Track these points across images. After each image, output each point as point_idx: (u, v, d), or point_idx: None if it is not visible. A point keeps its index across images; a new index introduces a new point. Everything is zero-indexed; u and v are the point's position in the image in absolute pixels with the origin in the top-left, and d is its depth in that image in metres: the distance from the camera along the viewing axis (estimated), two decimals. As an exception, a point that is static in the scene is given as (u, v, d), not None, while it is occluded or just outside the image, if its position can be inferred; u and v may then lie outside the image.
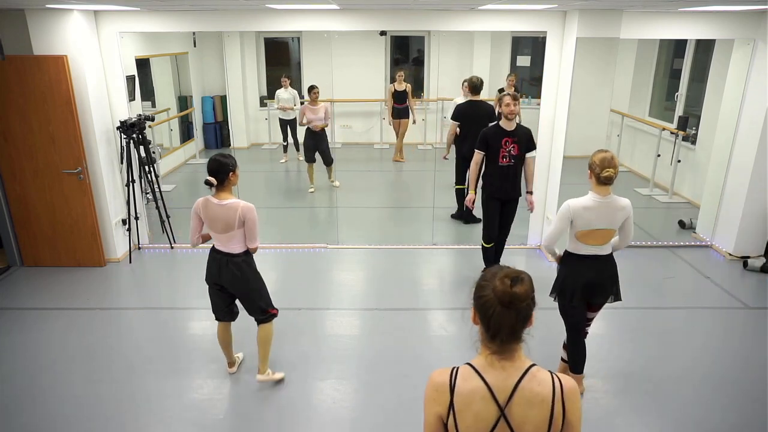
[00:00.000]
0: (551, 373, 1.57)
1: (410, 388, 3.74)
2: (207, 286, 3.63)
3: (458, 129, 6.37)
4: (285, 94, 9.47)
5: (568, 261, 3.45)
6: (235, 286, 3.52)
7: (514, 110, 4.64)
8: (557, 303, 3.55)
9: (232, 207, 3.33)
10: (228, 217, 3.34)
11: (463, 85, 7.69)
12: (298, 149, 9.85)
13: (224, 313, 3.68)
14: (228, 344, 3.82)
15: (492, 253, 5.20)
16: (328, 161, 8.00)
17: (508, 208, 5.01)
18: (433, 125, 10.81)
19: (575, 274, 3.40)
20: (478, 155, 4.82)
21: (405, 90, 9.53)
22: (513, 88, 8.01)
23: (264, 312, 3.64)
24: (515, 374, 1.53)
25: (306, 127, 7.84)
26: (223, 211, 3.34)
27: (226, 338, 3.79)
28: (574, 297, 3.41)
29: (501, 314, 1.49)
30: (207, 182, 3.33)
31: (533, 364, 1.56)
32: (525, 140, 4.77)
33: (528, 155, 4.83)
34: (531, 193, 4.98)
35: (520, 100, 4.83)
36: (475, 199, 4.85)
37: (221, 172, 3.32)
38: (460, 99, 7.42)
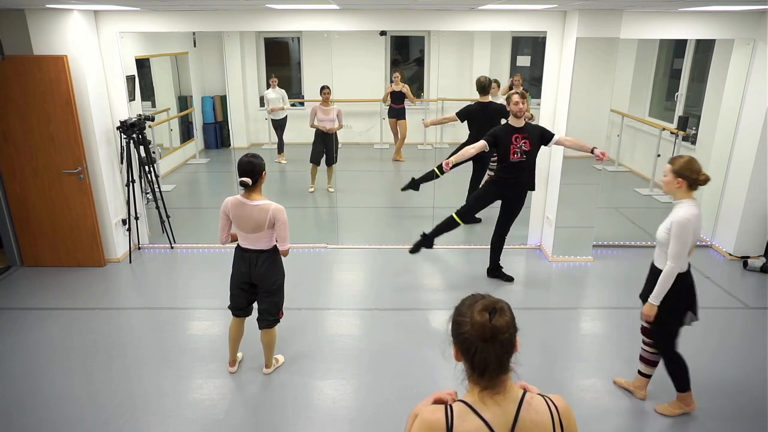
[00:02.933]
0: (542, 396, 1.53)
1: (410, 388, 3.74)
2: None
3: (468, 131, 6.35)
4: (273, 94, 9.45)
5: (683, 281, 3.19)
6: (265, 280, 3.58)
7: (523, 108, 4.66)
8: (664, 328, 3.30)
9: (263, 208, 3.40)
10: (260, 218, 3.41)
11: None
12: (282, 150, 9.82)
13: (243, 310, 3.73)
14: (238, 340, 3.85)
15: (450, 227, 5.11)
16: (330, 161, 7.97)
17: (515, 201, 5.00)
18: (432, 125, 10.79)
19: (691, 291, 3.23)
20: (482, 143, 4.72)
21: (401, 90, 9.54)
22: (521, 88, 8.01)
23: (276, 311, 3.70)
24: (512, 406, 1.46)
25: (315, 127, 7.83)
26: (255, 211, 3.40)
27: (238, 334, 3.82)
28: (695, 314, 3.27)
29: (484, 350, 1.41)
30: (243, 183, 3.36)
31: (525, 392, 1.51)
32: (537, 135, 4.78)
33: (554, 141, 4.81)
34: (594, 148, 4.68)
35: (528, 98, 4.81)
36: (451, 165, 4.60)
37: (255, 172, 3.37)
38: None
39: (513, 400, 1.47)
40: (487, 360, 1.41)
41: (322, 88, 7.74)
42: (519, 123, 4.72)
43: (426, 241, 5.20)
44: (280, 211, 3.43)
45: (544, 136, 4.82)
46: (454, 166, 6.45)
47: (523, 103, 4.65)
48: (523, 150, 4.74)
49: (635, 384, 3.66)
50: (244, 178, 3.36)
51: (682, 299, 3.22)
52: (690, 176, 3.09)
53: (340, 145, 8.13)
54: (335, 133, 7.79)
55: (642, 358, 3.58)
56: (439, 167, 6.56)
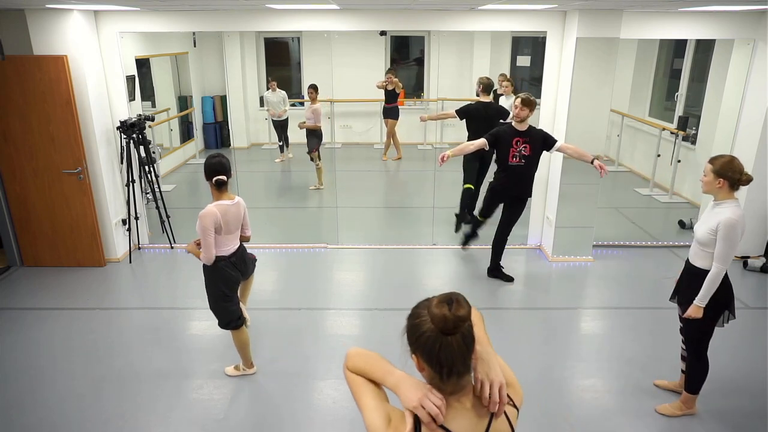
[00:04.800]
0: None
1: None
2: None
3: (467, 130, 6.32)
4: (273, 97, 9.44)
5: (723, 281, 3.14)
6: (250, 268, 3.70)
7: (522, 114, 4.64)
8: (704, 324, 3.22)
9: (240, 204, 3.49)
10: (239, 214, 3.47)
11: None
12: (283, 150, 9.90)
13: (241, 313, 3.69)
14: (248, 344, 3.81)
15: (471, 199, 5.53)
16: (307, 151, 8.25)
17: (513, 206, 5.00)
18: (432, 125, 10.80)
19: (730, 290, 3.20)
20: (482, 141, 4.73)
21: (394, 90, 9.55)
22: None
23: None
24: (481, 413, 1.41)
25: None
26: (237, 209, 3.45)
27: (248, 339, 3.77)
28: (732, 313, 3.26)
29: (449, 345, 1.33)
30: (222, 182, 3.33)
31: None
32: (539, 140, 4.76)
33: (556, 147, 4.78)
34: (594, 159, 4.68)
35: (509, 96, 4.79)
36: (448, 156, 4.57)
37: (228, 170, 3.37)
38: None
39: (478, 406, 1.41)
40: (453, 356, 1.34)
41: (309, 86, 7.99)
42: (522, 126, 4.72)
43: (495, 270, 5.33)
44: (243, 204, 3.55)
45: (547, 142, 4.78)
46: (481, 170, 6.33)
47: (522, 110, 4.62)
48: (523, 154, 4.74)
49: (681, 384, 3.60)
50: (222, 176, 3.32)
51: (721, 299, 3.17)
52: (732, 176, 3.00)
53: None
54: (318, 129, 8.09)
55: (684, 358, 3.54)
56: (468, 188, 6.48)
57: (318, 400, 3.65)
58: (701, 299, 3.13)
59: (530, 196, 5.07)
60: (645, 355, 4.13)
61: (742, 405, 3.59)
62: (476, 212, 5.29)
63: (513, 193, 4.94)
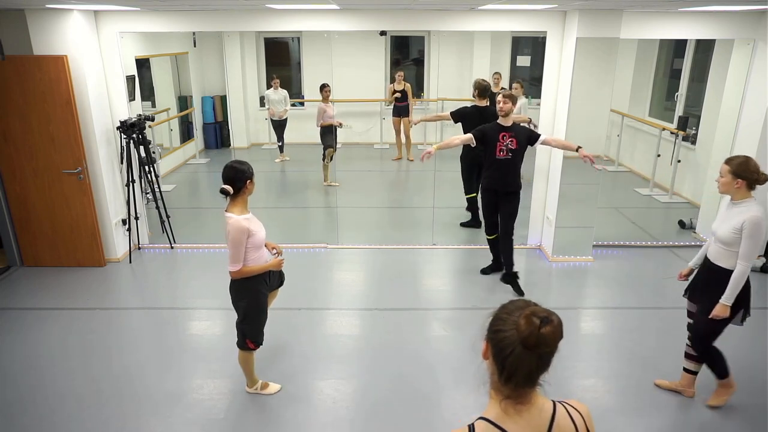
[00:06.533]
0: (559, 403, 1.45)
1: (410, 388, 3.74)
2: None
3: (463, 133, 6.31)
4: (275, 95, 9.42)
5: (746, 278, 3.17)
6: (232, 301, 3.41)
7: (505, 108, 4.74)
8: (718, 322, 3.24)
9: (227, 221, 3.16)
10: (226, 233, 3.17)
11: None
12: (282, 150, 9.91)
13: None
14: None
15: (495, 246, 5.32)
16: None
17: (506, 200, 5.01)
18: (433, 125, 10.80)
19: (748, 290, 3.21)
20: (469, 136, 4.88)
21: (404, 89, 9.57)
22: (500, 87, 7.99)
23: (242, 337, 3.44)
24: (537, 419, 1.39)
25: (323, 124, 8.13)
26: (226, 225, 3.16)
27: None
28: (748, 311, 3.27)
29: (520, 356, 1.30)
30: (223, 191, 3.11)
31: (554, 407, 1.44)
32: (524, 135, 4.88)
33: (540, 141, 4.88)
34: (579, 148, 4.79)
35: (520, 98, 4.87)
36: (432, 153, 4.68)
37: (237, 180, 3.11)
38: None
39: (539, 410, 1.40)
40: (518, 367, 1.31)
41: (324, 86, 7.86)
42: (506, 122, 4.82)
43: (509, 277, 5.26)
44: (232, 225, 3.09)
45: (531, 137, 4.91)
46: (473, 164, 6.26)
47: (505, 103, 4.74)
48: (510, 148, 4.83)
49: (682, 383, 3.62)
50: (224, 186, 3.11)
51: (739, 297, 3.17)
52: (750, 176, 3.03)
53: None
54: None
55: (689, 356, 3.55)
56: (471, 200, 6.62)
57: (318, 400, 3.65)
58: (728, 298, 3.14)
59: (520, 188, 5.05)
60: (645, 355, 4.13)
61: (742, 404, 3.59)
62: (484, 231, 5.40)
63: (502, 187, 4.97)
